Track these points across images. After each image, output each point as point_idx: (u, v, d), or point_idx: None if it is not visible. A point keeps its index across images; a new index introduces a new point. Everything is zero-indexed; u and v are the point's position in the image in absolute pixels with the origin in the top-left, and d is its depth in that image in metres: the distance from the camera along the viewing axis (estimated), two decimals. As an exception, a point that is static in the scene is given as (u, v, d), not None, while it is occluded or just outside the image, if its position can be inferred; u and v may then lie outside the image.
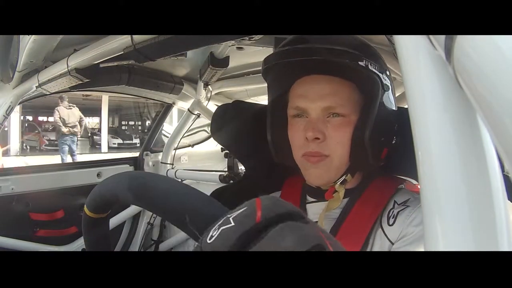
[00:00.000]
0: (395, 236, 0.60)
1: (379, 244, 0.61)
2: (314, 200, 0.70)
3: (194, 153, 2.40)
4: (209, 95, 1.87)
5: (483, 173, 0.25)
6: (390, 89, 0.66)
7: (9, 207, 1.69)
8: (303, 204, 0.71)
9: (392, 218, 0.62)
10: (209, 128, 1.69)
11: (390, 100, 0.66)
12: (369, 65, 0.60)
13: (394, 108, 0.68)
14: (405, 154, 0.49)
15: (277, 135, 0.69)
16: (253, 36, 1.01)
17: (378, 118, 0.61)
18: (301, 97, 0.64)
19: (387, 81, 0.63)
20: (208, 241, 0.28)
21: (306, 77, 0.65)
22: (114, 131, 14.15)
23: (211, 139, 2.10)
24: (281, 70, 0.67)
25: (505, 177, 0.27)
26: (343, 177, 0.66)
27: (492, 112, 0.21)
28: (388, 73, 0.64)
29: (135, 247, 2.16)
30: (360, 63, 0.59)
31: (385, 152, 0.65)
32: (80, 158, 7.37)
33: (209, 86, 1.81)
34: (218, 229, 0.28)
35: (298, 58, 0.62)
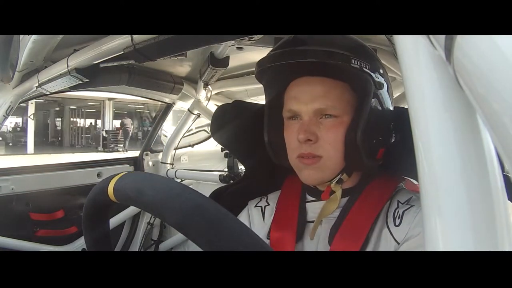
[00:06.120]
0: (401, 236, 0.60)
1: (384, 244, 0.61)
2: (314, 199, 0.70)
3: (194, 153, 2.40)
4: (209, 95, 1.87)
5: (483, 173, 0.25)
6: (386, 88, 0.65)
7: (9, 207, 1.69)
8: (303, 203, 0.71)
9: (398, 218, 0.61)
10: (209, 128, 1.69)
11: (385, 100, 0.66)
12: (361, 65, 0.60)
13: (390, 108, 0.68)
14: (404, 154, 0.49)
15: (274, 136, 0.70)
16: (253, 36, 1.01)
17: (371, 118, 0.62)
18: (294, 99, 0.65)
19: (381, 80, 0.63)
20: None
21: (298, 79, 0.65)
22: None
23: (211, 139, 2.09)
24: (275, 73, 0.68)
25: (505, 177, 0.27)
26: (339, 176, 0.66)
27: (492, 112, 0.21)
28: (381, 71, 0.64)
29: (135, 247, 2.16)
30: (351, 64, 0.59)
31: (381, 152, 0.65)
32: None
33: (209, 86, 1.81)
34: None
35: (288, 61, 0.62)
